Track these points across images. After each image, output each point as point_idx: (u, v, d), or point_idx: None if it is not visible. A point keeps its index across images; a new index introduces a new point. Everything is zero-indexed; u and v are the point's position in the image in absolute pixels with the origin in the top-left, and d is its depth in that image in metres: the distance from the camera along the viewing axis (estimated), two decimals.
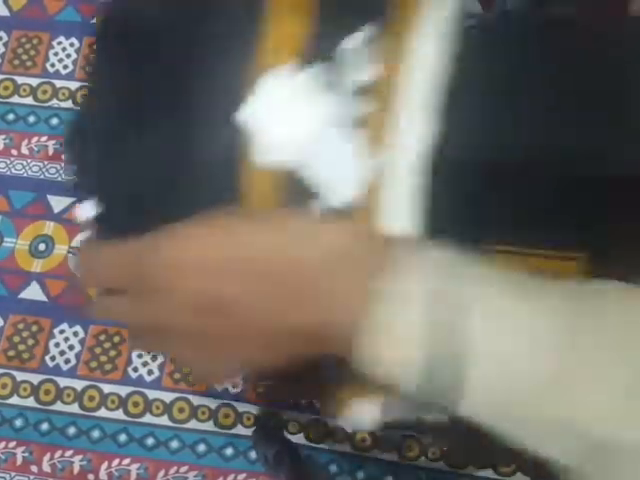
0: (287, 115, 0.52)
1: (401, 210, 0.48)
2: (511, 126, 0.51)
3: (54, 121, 0.62)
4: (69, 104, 0.61)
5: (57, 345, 0.55)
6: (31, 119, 0.60)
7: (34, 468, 0.53)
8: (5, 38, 0.63)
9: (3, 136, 0.60)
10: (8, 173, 0.59)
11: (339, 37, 0.53)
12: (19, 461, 0.53)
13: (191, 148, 0.47)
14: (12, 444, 0.53)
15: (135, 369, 0.54)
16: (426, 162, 0.51)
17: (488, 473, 0.50)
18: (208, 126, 0.48)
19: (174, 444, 0.52)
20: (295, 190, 0.52)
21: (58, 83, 0.63)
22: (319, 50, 0.53)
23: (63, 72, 0.63)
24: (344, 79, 0.54)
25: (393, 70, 0.54)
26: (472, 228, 0.51)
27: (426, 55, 0.52)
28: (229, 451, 0.52)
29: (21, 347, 0.55)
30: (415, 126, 0.51)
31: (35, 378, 0.55)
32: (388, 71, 0.54)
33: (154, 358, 0.54)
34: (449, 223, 0.51)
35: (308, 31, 0.53)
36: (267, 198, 0.50)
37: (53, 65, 0.62)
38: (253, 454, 0.51)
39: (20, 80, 0.61)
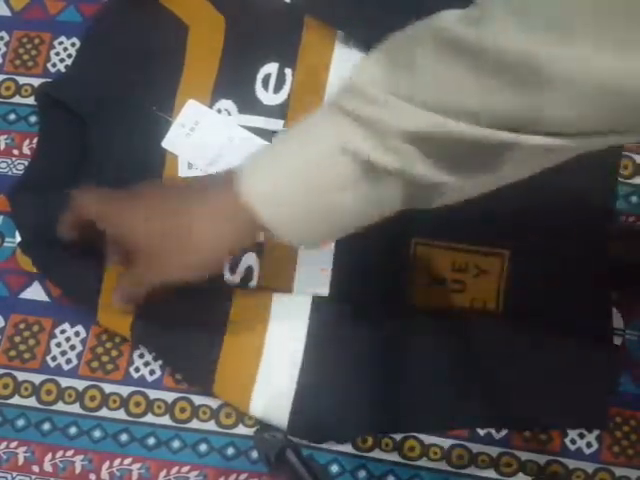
0: (204, 135, 0.55)
1: None
2: None
3: None
4: None
5: (58, 345, 0.55)
6: (32, 119, 0.60)
7: (35, 468, 0.53)
8: (6, 38, 0.63)
9: (4, 136, 0.60)
10: (10, 173, 0.59)
11: (249, 71, 0.57)
12: (20, 461, 0.53)
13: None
14: (13, 444, 0.53)
15: (137, 369, 0.54)
16: None
17: (490, 473, 0.51)
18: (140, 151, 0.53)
19: (175, 444, 0.52)
20: None
21: None
22: (231, 82, 0.56)
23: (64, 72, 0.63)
24: (257, 102, 0.57)
25: (304, 90, 0.57)
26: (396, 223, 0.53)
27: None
28: (230, 451, 0.52)
29: (22, 347, 0.55)
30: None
31: (36, 378, 0.55)
32: (299, 91, 0.57)
33: (156, 358, 0.54)
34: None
35: (220, 68, 0.56)
36: None
37: (54, 65, 0.62)
38: (255, 454, 0.51)
39: (22, 80, 0.61)
